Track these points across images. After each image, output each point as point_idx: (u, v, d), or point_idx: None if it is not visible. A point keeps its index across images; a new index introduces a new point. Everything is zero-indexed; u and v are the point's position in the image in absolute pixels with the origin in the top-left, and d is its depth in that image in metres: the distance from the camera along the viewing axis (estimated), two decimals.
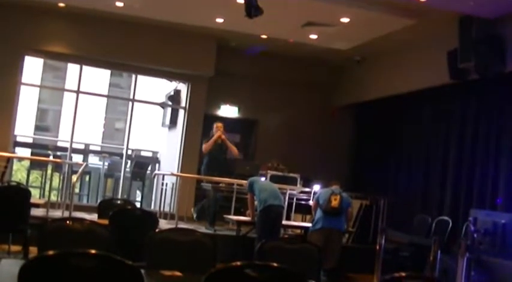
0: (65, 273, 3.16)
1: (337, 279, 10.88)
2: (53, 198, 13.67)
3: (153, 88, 19.59)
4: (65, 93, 22.82)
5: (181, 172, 14.97)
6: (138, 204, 16.13)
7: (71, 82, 20.36)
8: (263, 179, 12.18)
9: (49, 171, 14.84)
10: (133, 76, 16.76)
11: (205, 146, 13.26)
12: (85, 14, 14.05)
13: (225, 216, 12.54)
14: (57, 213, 11.94)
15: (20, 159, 17.99)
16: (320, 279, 5.63)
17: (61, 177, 14.09)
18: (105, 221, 6.98)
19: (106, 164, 18.17)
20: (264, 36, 14.44)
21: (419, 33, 12.79)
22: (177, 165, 15.57)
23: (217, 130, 13.20)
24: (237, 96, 16.59)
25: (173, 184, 14.26)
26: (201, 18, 13.46)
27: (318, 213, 10.79)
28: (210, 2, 12.25)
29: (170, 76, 16.44)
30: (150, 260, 5.12)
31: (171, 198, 14.22)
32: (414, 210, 13.65)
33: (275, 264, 3.48)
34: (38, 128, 28.93)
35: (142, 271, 3.37)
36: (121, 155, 16.96)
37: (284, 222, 11.93)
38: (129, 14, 13.69)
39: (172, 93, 16.87)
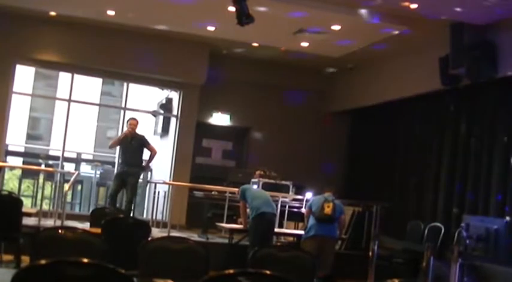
0: None
1: None
2: (45, 207, 13.63)
3: (144, 96, 19.58)
4: (57, 101, 22.88)
5: (173, 180, 14.95)
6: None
7: (62, 91, 20.36)
8: (255, 186, 12.17)
9: (41, 180, 14.80)
10: (125, 84, 16.74)
11: (111, 143, 13.24)
12: (76, 22, 14.04)
13: (218, 224, 12.52)
14: (49, 222, 11.92)
15: (12, 168, 17.94)
16: None
17: (53, 186, 14.06)
18: (98, 230, 6.96)
19: (98, 172, 18.13)
20: (255, 44, 14.45)
21: (410, 40, 12.82)
22: (169, 173, 15.54)
23: (128, 127, 12.82)
24: (229, 104, 16.59)
25: (165, 192, 14.23)
26: (193, 26, 13.46)
27: (311, 221, 10.77)
28: (202, 10, 12.26)
29: (162, 84, 16.43)
30: (143, 269, 5.10)
31: (164, 206, 14.19)
32: (407, 216, 13.65)
33: (268, 272, 3.47)
34: (30, 137, 28.84)
35: (135, 280, 3.35)
36: (113, 164, 16.92)
37: (277, 229, 11.92)
38: (121, 23, 13.69)
39: (164, 101, 16.85)
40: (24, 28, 14.11)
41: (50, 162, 16.93)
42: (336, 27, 12.52)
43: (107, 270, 3.17)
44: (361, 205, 13.78)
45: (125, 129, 13.00)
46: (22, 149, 21.15)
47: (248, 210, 11.04)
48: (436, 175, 13.50)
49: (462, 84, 11.76)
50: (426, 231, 11.83)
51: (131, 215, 12.68)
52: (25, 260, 8.54)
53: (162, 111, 16.83)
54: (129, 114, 16.08)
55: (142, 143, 12.78)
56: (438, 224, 11.82)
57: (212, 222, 12.96)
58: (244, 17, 9.98)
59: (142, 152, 12.86)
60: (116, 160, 13.03)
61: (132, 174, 12.58)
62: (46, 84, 27.79)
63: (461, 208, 12.35)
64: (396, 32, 12.38)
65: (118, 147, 13.52)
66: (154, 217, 13.64)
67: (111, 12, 13.00)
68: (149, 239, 6.46)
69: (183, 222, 14.27)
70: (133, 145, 12.62)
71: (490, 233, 9.66)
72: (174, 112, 16.16)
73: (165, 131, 16.62)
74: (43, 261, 3.09)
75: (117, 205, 12.57)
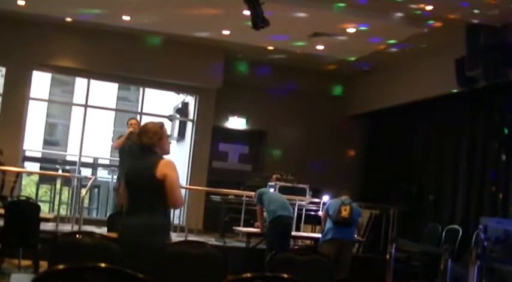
0: None
1: None
2: (63, 212, 13.69)
3: (160, 101, 19.62)
4: (73, 107, 22.91)
5: (190, 185, 14.96)
6: None
7: (79, 96, 20.41)
8: (272, 190, 12.16)
9: (58, 186, 14.84)
10: (141, 89, 16.76)
11: (116, 142, 12.27)
12: (92, 28, 14.09)
13: (235, 228, 12.53)
14: (66, 228, 11.93)
15: (29, 173, 18.01)
16: None
17: (70, 191, 14.09)
18: (115, 235, 6.97)
19: (115, 177, 18.15)
20: (270, 48, 14.45)
21: (426, 42, 12.78)
22: (186, 177, 15.55)
23: (129, 127, 12.13)
24: (244, 107, 16.59)
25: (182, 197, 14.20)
26: (208, 30, 13.49)
27: (328, 224, 10.76)
28: (217, 14, 12.27)
29: (178, 89, 16.45)
30: (161, 273, 5.10)
31: (181, 210, 14.18)
32: (425, 219, 13.60)
33: (286, 276, 3.46)
34: (47, 142, 28.94)
35: None
36: None
37: (294, 233, 11.91)
38: (136, 28, 13.72)
39: (180, 105, 16.88)
40: (40, 34, 14.17)
41: (67, 167, 16.97)
42: (351, 30, 12.50)
43: (125, 275, 3.18)
44: (379, 208, 13.75)
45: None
46: (39, 155, 21.19)
47: (265, 213, 11.03)
48: (453, 176, 13.44)
49: (479, 86, 11.68)
50: (444, 234, 11.80)
51: None
52: (43, 265, 8.59)
53: (178, 116, 16.85)
54: (145, 119, 16.10)
55: None
56: (456, 226, 11.78)
57: (229, 226, 12.97)
58: (259, 20, 10.00)
59: None
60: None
61: None
62: (62, 90, 27.85)
63: (479, 210, 12.28)
64: (411, 34, 12.35)
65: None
66: (171, 221, 13.61)
67: (126, 18, 13.04)
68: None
69: (200, 227, 14.26)
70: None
71: (509, 235, 9.60)
72: (190, 116, 16.17)
73: (181, 135, 16.64)
74: (61, 267, 3.09)
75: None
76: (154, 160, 5.66)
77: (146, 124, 5.98)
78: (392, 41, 13.11)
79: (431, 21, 11.62)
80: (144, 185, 5.64)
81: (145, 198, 5.64)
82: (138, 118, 15.56)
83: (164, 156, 5.84)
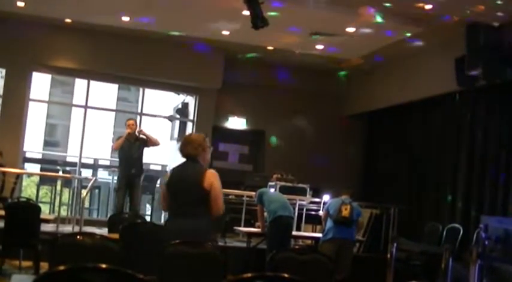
0: None
1: None
2: (63, 213, 13.67)
3: (160, 101, 19.62)
4: (73, 108, 22.93)
5: None
6: (148, 218, 16.09)
7: (79, 97, 20.42)
8: (272, 190, 12.15)
9: (58, 187, 14.82)
10: (141, 90, 16.75)
11: (115, 144, 12.58)
12: (92, 29, 14.08)
13: (235, 227, 12.52)
14: (67, 228, 11.93)
15: (30, 175, 18.01)
16: None
17: (71, 192, 14.08)
18: (116, 235, 6.98)
19: (115, 178, 18.15)
20: (270, 48, 14.44)
21: (426, 41, 12.77)
22: None
23: (127, 128, 12.48)
24: (244, 107, 16.57)
25: None
26: (208, 30, 13.47)
27: (329, 224, 10.73)
28: (216, 14, 12.27)
29: (178, 89, 16.45)
30: (161, 274, 5.10)
31: None
32: (425, 218, 13.58)
33: (286, 276, 3.46)
34: (47, 144, 28.94)
35: None
36: None
37: (294, 232, 11.90)
38: (136, 28, 13.72)
39: (180, 106, 16.88)
40: (40, 35, 14.18)
41: (68, 168, 16.97)
42: (351, 29, 12.49)
43: (125, 276, 3.17)
44: (379, 207, 13.73)
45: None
46: (39, 156, 21.23)
47: (265, 213, 11.02)
48: (453, 176, 13.42)
49: (479, 85, 11.66)
50: (444, 233, 11.78)
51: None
52: (44, 266, 8.58)
53: (178, 116, 16.86)
54: (145, 120, 16.13)
55: (145, 143, 12.51)
56: (457, 225, 11.75)
57: (230, 226, 12.95)
58: (258, 20, 10.00)
59: (143, 153, 12.64)
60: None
61: (138, 175, 12.54)
62: (62, 91, 27.85)
63: (480, 209, 12.27)
64: (411, 33, 12.35)
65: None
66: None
67: (125, 18, 13.03)
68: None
69: None
70: (137, 145, 12.43)
71: (509, 234, 9.59)
72: (190, 117, 16.17)
73: (181, 135, 16.63)
74: (62, 267, 3.09)
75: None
76: (200, 170, 6.24)
77: (190, 135, 6.80)
78: (391, 41, 13.11)
79: (430, 20, 11.59)
80: (189, 192, 6.17)
81: (190, 203, 6.15)
82: (138, 119, 15.61)
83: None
